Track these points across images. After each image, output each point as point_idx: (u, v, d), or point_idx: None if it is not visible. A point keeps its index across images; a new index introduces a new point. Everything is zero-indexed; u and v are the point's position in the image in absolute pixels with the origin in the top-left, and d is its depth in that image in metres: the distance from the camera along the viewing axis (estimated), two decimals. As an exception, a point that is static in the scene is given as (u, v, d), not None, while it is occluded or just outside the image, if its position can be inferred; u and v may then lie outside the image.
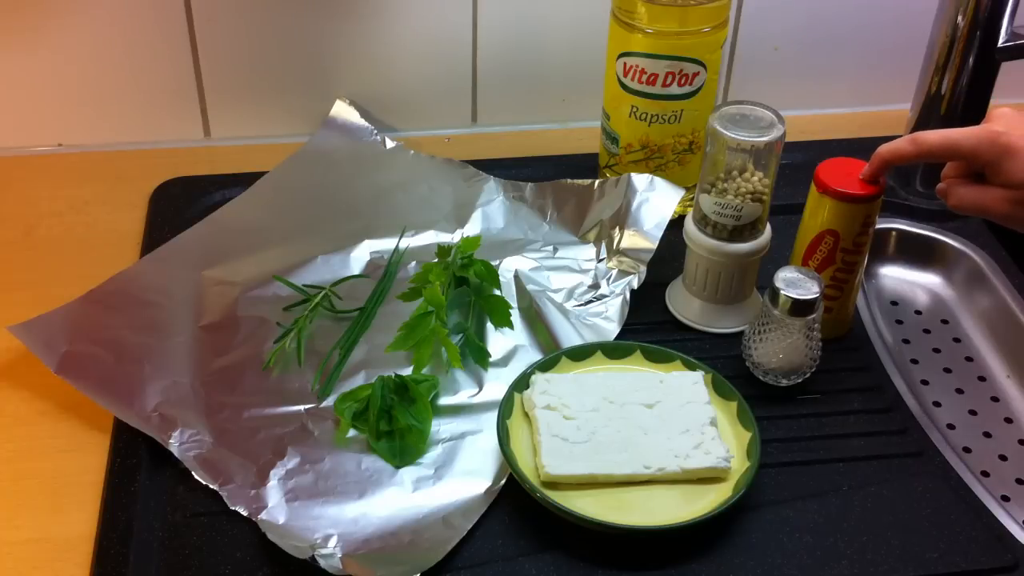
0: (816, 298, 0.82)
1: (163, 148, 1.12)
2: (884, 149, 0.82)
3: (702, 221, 0.90)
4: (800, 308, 0.82)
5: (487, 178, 1.06)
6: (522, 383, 0.84)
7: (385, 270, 0.97)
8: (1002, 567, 0.75)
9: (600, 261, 0.97)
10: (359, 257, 0.98)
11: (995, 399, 0.95)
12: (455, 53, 1.12)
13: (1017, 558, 0.75)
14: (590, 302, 0.94)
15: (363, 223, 1.02)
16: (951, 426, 0.92)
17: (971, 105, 1.01)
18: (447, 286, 0.91)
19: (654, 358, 0.87)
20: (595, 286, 0.95)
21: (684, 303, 0.93)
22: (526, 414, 0.82)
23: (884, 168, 0.83)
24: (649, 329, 0.92)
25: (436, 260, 0.94)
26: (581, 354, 0.87)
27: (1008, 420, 0.93)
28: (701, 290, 0.92)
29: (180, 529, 0.76)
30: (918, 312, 1.02)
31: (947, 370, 0.97)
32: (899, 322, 1.01)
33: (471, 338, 0.89)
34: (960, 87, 1.00)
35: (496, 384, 0.86)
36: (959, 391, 0.95)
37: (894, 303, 1.03)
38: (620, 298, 0.93)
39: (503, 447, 0.78)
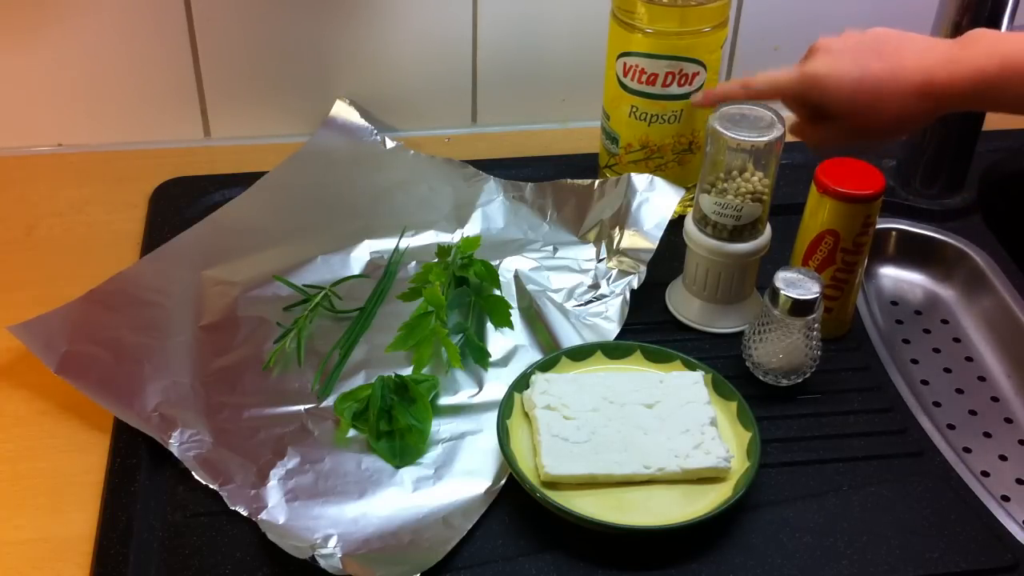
0: (816, 298, 0.82)
1: (163, 148, 1.12)
2: (716, 91, 0.89)
3: (702, 221, 0.90)
4: (800, 308, 0.82)
5: (487, 178, 1.06)
6: (522, 383, 0.84)
7: (385, 270, 0.97)
8: (1002, 567, 0.75)
9: (600, 261, 0.97)
10: (359, 257, 0.98)
11: (995, 399, 0.95)
12: (455, 53, 1.13)
13: (1017, 558, 0.75)
14: (590, 302, 0.94)
15: (363, 223, 1.02)
16: (951, 426, 0.92)
17: (971, 105, 1.01)
18: (447, 286, 0.91)
19: (654, 358, 0.87)
20: (595, 286, 0.95)
21: (684, 303, 0.93)
22: (526, 414, 0.82)
23: (712, 104, 0.88)
24: (649, 329, 0.92)
25: (436, 260, 0.94)
26: (581, 354, 0.87)
27: (1008, 420, 0.93)
28: (701, 290, 0.92)
29: (180, 529, 0.76)
30: (918, 312, 1.02)
31: (947, 370, 0.97)
32: (899, 322, 1.01)
33: (471, 338, 0.89)
34: (960, 87, 1.00)
35: (496, 384, 0.86)
36: (959, 391, 0.95)
37: (894, 303, 1.03)
38: (620, 298, 0.93)
39: (503, 447, 0.78)
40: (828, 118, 0.81)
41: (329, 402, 0.85)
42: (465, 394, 0.86)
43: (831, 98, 0.80)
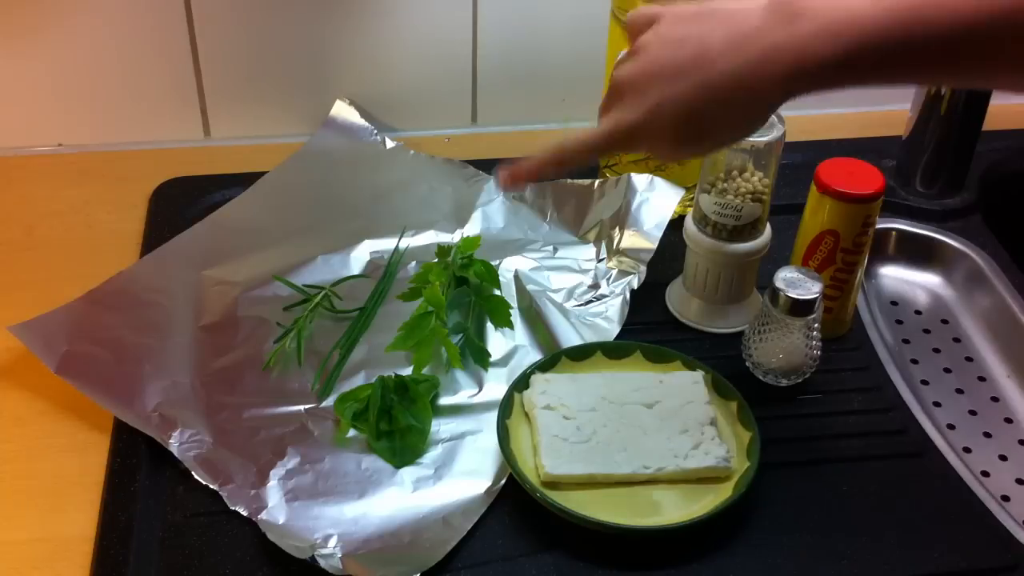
0: (816, 298, 0.82)
1: (163, 148, 1.12)
2: (528, 166, 0.71)
3: (702, 221, 0.90)
4: (800, 308, 0.82)
5: (487, 178, 1.06)
6: (522, 383, 0.84)
7: (385, 270, 0.97)
8: (1002, 567, 0.75)
9: (600, 261, 0.97)
10: (359, 257, 0.98)
11: (995, 399, 0.95)
12: (455, 53, 1.12)
13: (1017, 558, 0.75)
14: (590, 302, 0.94)
15: (363, 223, 1.01)
16: (951, 426, 0.92)
17: (971, 105, 1.01)
18: (447, 286, 0.91)
19: (654, 358, 0.87)
20: (595, 286, 0.95)
21: (684, 303, 0.93)
22: (526, 414, 0.82)
23: (527, 181, 0.72)
24: (649, 329, 0.92)
25: (436, 260, 0.94)
26: (581, 354, 0.87)
27: (1008, 420, 0.93)
28: (701, 290, 0.92)
29: (180, 529, 0.76)
30: (918, 312, 1.02)
31: (947, 370, 0.97)
32: (899, 322, 1.01)
33: (471, 338, 0.89)
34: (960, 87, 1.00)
35: (496, 384, 0.86)
36: (959, 391, 0.95)
37: (894, 303, 1.03)
38: (620, 298, 0.93)
39: (503, 447, 0.78)
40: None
41: (329, 402, 0.84)
42: (465, 394, 0.86)
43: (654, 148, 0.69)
